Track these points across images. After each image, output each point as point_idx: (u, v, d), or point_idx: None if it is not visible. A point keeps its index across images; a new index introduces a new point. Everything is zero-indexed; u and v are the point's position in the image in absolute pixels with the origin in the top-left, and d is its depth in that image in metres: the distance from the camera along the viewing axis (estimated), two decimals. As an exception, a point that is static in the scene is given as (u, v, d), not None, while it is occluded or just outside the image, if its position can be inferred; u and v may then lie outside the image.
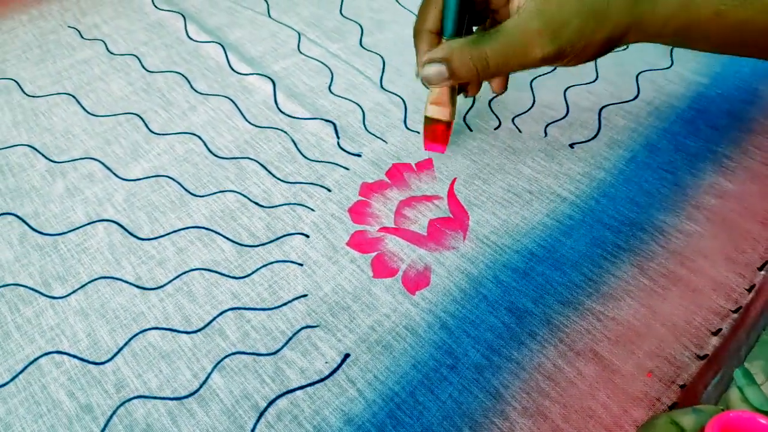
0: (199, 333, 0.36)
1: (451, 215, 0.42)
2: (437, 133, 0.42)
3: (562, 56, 0.34)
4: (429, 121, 0.42)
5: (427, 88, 0.38)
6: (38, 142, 0.48)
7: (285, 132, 0.48)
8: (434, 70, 0.36)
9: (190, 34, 0.58)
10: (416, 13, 0.39)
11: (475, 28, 0.41)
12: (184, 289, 0.38)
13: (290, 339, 0.36)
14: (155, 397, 0.33)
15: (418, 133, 0.48)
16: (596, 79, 0.52)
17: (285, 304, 0.37)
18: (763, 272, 0.39)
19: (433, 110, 0.41)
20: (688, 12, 0.33)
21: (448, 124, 0.42)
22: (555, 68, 0.53)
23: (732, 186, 0.43)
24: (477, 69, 0.35)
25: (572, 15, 0.33)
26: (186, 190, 0.44)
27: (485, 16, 0.40)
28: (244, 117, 0.50)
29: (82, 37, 0.58)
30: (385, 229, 0.41)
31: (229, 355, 0.35)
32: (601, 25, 0.33)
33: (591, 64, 0.53)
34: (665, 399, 0.33)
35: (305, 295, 0.38)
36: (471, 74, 0.35)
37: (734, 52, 0.37)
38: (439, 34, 0.38)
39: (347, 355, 0.35)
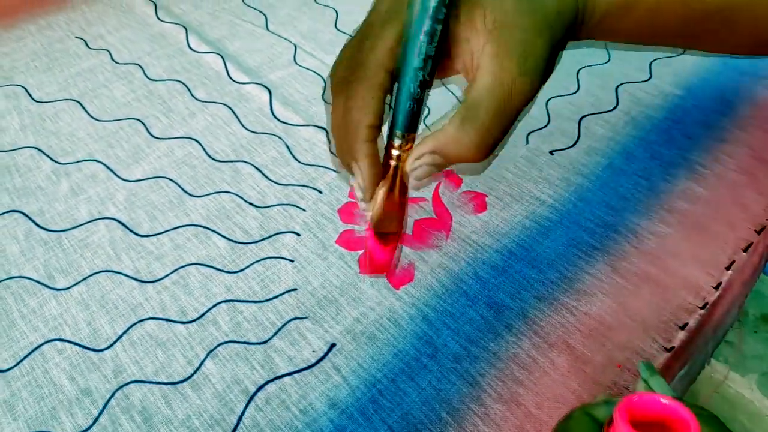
0: (193, 323, 0.38)
1: (435, 216, 0.44)
2: (389, 248, 0.34)
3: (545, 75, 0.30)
4: (381, 237, 0.33)
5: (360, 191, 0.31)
6: (44, 144, 0.50)
7: (280, 137, 0.51)
8: (425, 167, 0.30)
9: (191, 45, 0.61)
10: None
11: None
12: (181, 282, 0.40)
13: (280, 329, 0.38)
14: (151, 382, 0.35)
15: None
16: (578, 90, 0.55)
17: (276, 297, 0.39)
18: (730, 271, 0.41)
19: (384, 222, 0.32)
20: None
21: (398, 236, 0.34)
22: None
23: (704, 191, 0.46)
24: (481, 141, 0.29)
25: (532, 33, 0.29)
26: (184, 190, 0.46)
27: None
28: (241, 123, 0.52)
29: (88, 47, 0.61)
30: (372, 228, 0.43)
31: (221, 343, 0.37)
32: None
33: (574, 76, 0.56)
34: (633, 388, 0.35)
35: (295, 289, 0.40)
36: (473, 150, 0.29)
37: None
38: (378, 128, 0.31)
39: (333, 345, 0.37)
